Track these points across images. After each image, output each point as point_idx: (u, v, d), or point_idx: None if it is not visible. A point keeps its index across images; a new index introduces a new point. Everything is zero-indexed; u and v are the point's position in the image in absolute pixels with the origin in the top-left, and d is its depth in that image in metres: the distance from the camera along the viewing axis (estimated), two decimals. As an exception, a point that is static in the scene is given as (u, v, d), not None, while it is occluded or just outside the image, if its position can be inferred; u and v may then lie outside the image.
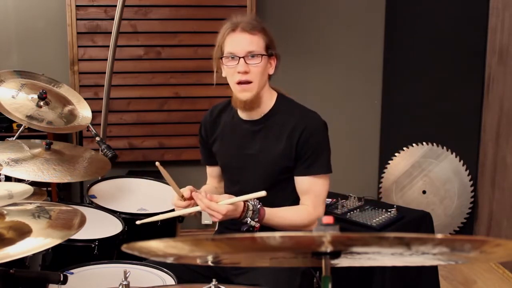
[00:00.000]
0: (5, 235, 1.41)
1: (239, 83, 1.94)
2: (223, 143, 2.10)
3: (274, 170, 1.99)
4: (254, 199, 1.86)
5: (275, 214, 1.92)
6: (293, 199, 2.02)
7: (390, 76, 3.95)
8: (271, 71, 2.00)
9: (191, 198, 1.89)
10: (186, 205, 1.89)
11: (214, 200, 1.82)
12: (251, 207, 1.87)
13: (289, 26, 3.83)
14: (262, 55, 1.93)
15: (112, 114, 3.59)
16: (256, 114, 2.02)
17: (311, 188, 1.98)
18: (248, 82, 1.93)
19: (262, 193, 1.78)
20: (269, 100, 2.02)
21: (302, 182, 1.99)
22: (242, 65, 1.91)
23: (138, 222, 1.90)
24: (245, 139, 2.04)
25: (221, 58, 1.97)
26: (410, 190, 3.92)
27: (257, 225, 1.88)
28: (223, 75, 2.01)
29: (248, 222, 1.86)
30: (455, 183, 3.89)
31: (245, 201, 1.85)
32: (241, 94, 1.95)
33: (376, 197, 4.00)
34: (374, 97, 3.98)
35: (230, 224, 2.05)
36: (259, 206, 1.89)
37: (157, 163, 1.80)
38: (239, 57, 1.92)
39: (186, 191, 1.90)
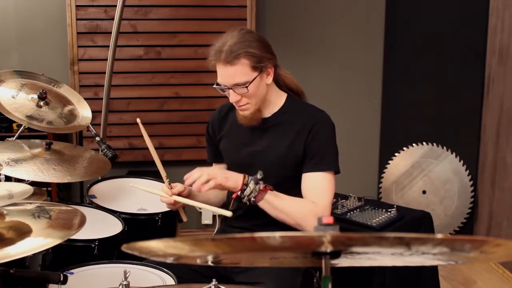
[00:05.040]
0: (5, 235, 1.41)
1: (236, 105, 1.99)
2: (231, 140, 2.12)
3: (281, 166, 1.99)
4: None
5: (280, 196, 1.92)
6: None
7: (390, 76, 3.95)
8: (269, 81, 1.98)
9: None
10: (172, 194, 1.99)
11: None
12: (251, 179, 1.89)
13: (289, 26, 3.83)
14: (249, 83, 1.90)
15: (112, 114, 3.59)
16: (266, 113, 2.04)
17: (318, 185, 1.96)
18: (244, 105, 1.97)
19: (228, 213, 1.86)
20: (277, 101, 2.04)
21: (309, 179, 1.97)
22: (233, 96, 1.93)
23: (132, 185, 2.09)
24: (253, 136, 2.05)
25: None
26: (410, 190, 3.92)
27: (256, 193, 1.88)
28: None
29: (249, 192, 1.87)
30: (455, 183, 3.89)
31: (244, 175, 1.89)
32: (240, 112, 2.01)
33: (376, 197, 4.00)
34: (374, 97, 3.98)
35: (234, 222, 2.07)
36: (261, 181, 1.88)
37: (138, 120, 1.98)
38: (228, 88, 1.93)
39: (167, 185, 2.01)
